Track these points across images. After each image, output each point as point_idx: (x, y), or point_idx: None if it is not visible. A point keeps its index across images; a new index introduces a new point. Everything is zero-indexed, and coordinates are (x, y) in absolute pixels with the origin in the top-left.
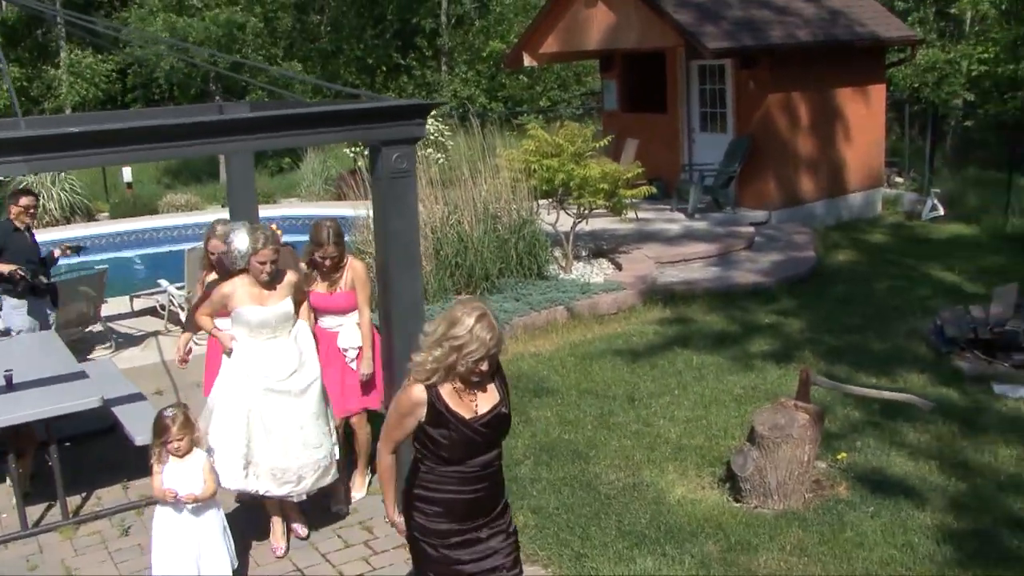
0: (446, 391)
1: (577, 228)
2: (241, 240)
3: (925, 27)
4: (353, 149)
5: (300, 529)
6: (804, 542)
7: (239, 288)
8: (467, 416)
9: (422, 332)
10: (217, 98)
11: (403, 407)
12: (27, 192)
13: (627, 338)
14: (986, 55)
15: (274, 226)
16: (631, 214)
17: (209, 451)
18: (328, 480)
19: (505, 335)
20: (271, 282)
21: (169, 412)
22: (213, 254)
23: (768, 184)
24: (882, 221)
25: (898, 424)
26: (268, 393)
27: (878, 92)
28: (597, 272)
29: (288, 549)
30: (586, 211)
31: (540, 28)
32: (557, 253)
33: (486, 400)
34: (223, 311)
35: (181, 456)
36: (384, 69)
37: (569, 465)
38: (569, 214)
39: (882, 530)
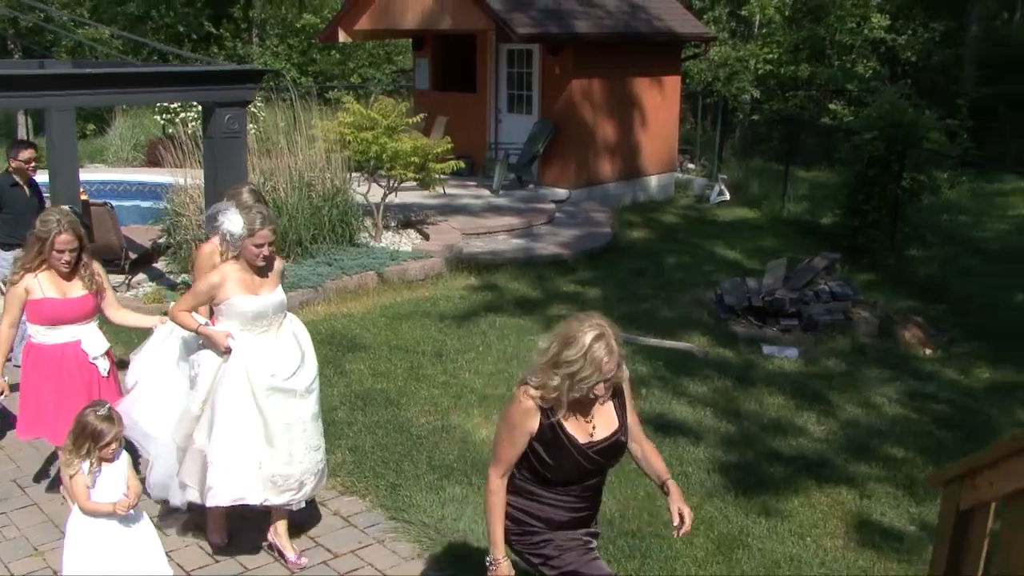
0: (561, 410)
1: (388, 200)
2: (233, 221)
3: (719, 26)
4: (164, 116)
5: (292, 557)
6: None
7: (229, 276)
8: (582, 441)
9: (537, 350)
10: (16, 56)
11: (513, 419)
12: (28, 144)
13: (435, 302)
14: (771, 56)
15: (81, 190)
16: (439, 188)
17: (210, 464)
18: (322, 485)
19: (319, 297)
20: (264, 268)
21: (100, 411)
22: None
23: (569, 165)
24: (674, 203)
25: (680, 378)
26: (272, 393)
27: (673, 83)
28: (406, 241)
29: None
30: (397, 183)
31: (356, 5)
32: (368, 223)
33: (604, 424)
34: (205, 305)
35: (112, 460)
36: (194, 38)
37: (382, 411)
38: (380, 186)
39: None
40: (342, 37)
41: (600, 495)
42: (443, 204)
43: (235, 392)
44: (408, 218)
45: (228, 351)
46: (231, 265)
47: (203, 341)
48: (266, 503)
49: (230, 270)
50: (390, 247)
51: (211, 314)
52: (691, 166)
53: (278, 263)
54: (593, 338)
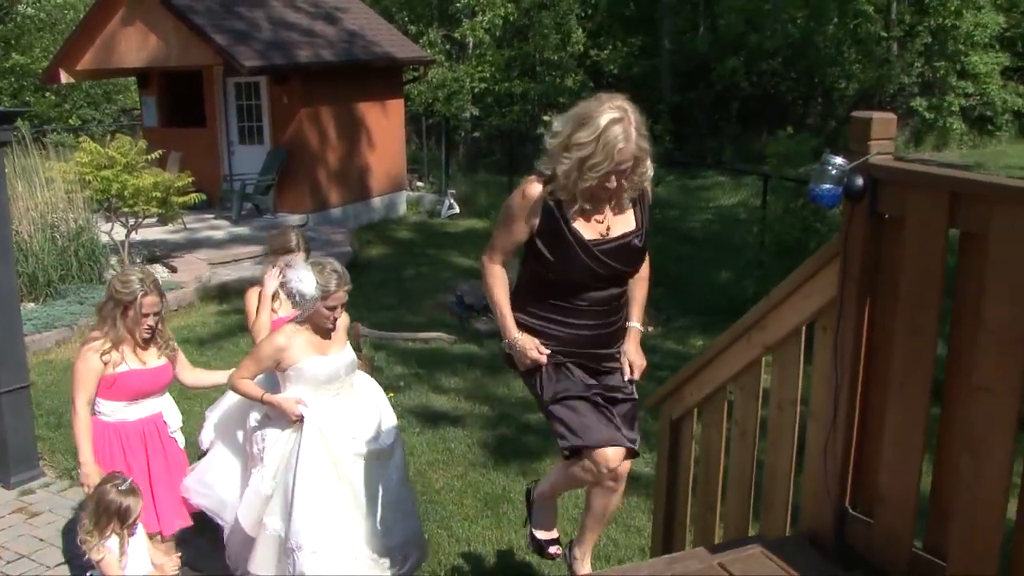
0: (570, 203)
1: (131, 236)
2: (306, 281)
3: (435, 49)
4: None
5: None
6: None
7: (296, 338)
8: (588, 237)
9: (549, 131)
10: None
11: (513, 210)
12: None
13: (191, 329)
14: (485, 75)
15: None
16: (181, 223)
17: (295, 549)
18: (427, 557)
19: (75, 336)
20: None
21: (122, 487)
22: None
23: (304, 190)
24: (407, 220)
25: (434, 373)
26: (357, 459)
27: (397, 106)
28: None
29: None
30: (139, 220)
31: (77, 44)
32: (114, 260)
33: (620, 223)
34: (269, 371)
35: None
36: None
37: None
38: (123, 224)
39: (427, 443)
40: (64, 78)
41: (617, 320)
42: (186, 238)
43: (315, 464)
44: (153, 253)
45: (300, 420)
46: (294, 327)
47: (268, 411)
48: None
49: (293, 332)
50: None
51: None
52: (420, 184)
53: (344, 318)
54: (609, 121)
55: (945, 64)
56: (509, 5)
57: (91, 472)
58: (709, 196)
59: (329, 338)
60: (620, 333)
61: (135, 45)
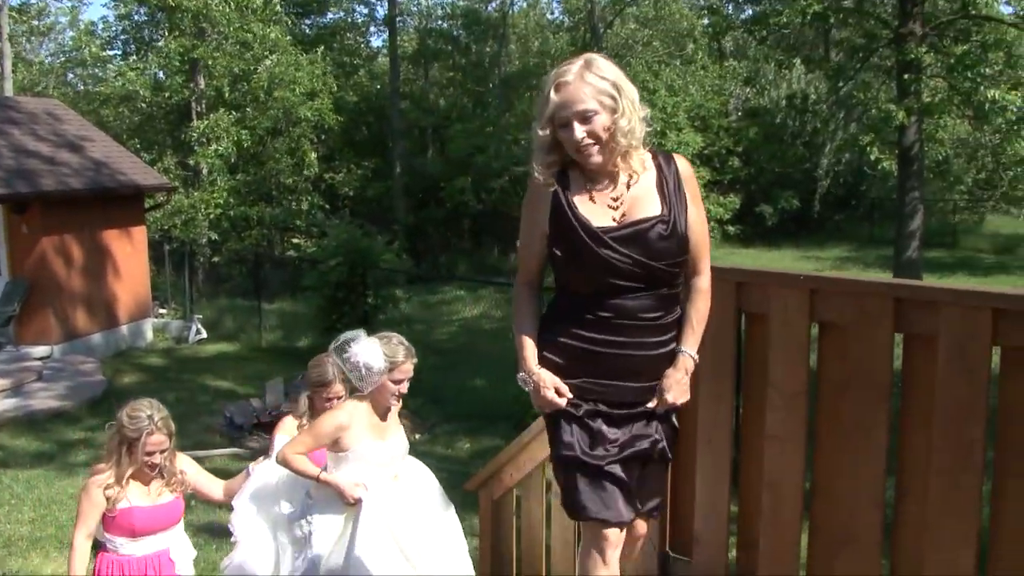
0: (576, 188)
1: None
2: (373, 354)
3: (170, 175)
4: None
5: None
6: None
7: (356, 418)
8: (599, 224)
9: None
10: None
11: (524, 204)
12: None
13: None
14: (220, 200)
15: None
16: None
17: None
18: None
19: None
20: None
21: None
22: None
23: (48, 321)
24: (155, 347)
25: None
26: (420, 541)
27: (140, 233)
28: None
29: None
30: None
31: None
32: None
33: (639, 206)
34: (324, 448)
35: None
36: None
37: None
38: None
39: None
40: None
41: (659, 343)
42: None
43: (380, 550)
44: None
45: (357, 503)
46: (355, 405)
47: (316, 492)
48: None
49: (355, 410)
50: None
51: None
52: (163, 311)
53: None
54: (556, 70)
55: None
56: (243, 132)
57: None
58: (451, 310)
59: (386, 419)
60: (664, 361)
61: None
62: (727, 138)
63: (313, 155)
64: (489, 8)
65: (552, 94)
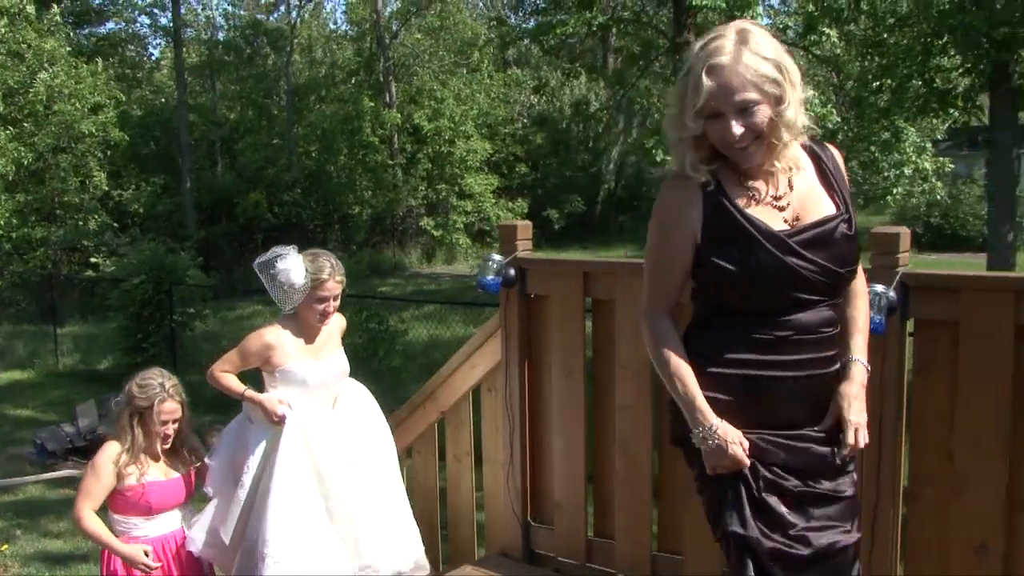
0: (731, 186)
1: None
2: (296, 269)
3: None
4: None
5: None
6: None
7: (286, 337)
8: (774, 226)
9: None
10: None
11: (663, 211)
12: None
13: None
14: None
15: None
16: None
17: (261, 558)
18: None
19: None
20: (319, 329)
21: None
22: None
23: None
24: None
25: (38, 520)
26: (343, 469)
27: None
28: None
29: None
30: None
31: None
32: None
33: (810, 204)
34: (251, 367)
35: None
36: None
37: None
38: None
39: None
40: None
41: (835, 358)
42: None
43: (292, 468)
44: None
45: (281, 421)
46: (283, 326)
47: (254, 414)
48: None
49: (282, 330)
50: None
51: None
52: None
53: (340, 321)
54: (701, 45)
55: (446, 187)
56: (22, 149)
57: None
58: (253, 324)
59: (314, 341)
60: (836, 381)
61: None
62: (514, 145)
63: (102, 173)
64: (272, 18)
65: (705, 78)
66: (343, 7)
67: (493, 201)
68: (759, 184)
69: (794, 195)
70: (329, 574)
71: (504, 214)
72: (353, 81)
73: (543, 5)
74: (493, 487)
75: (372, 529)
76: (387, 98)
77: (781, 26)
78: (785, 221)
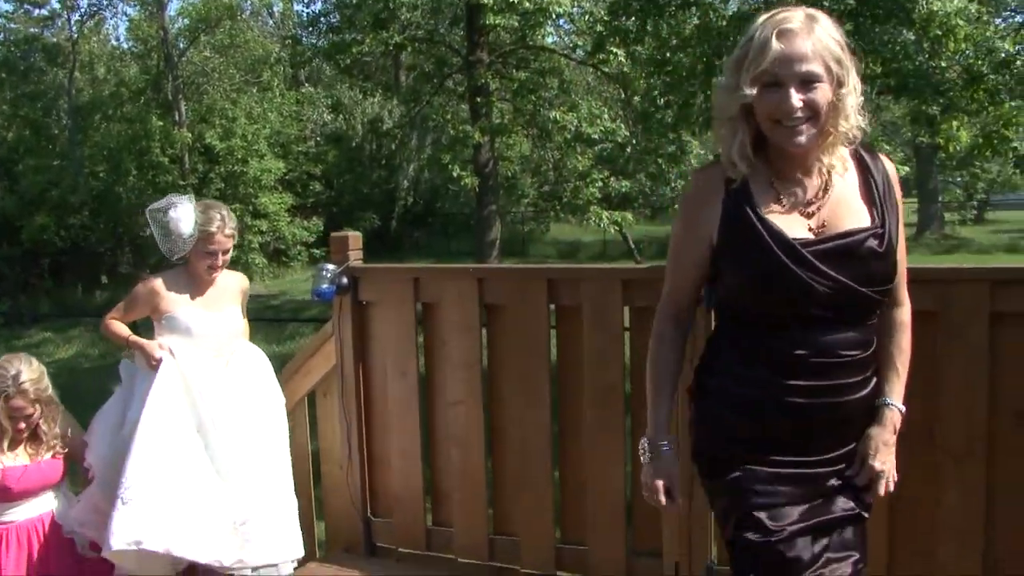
0: (758, 185)
1: None
2: (186, 219)
3: None
4: None
5: None
6: None
7: (170, 285)
8: (795, 234)
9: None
10: None
11: (683, 205)
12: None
13: None
14: None
15: None
16: None
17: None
18: (294, 555)
19: None
20: (218, 284)
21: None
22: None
23: None
24: None
25: None
26: (222, 420)
27: None
28: None
29: None
30: None
31: None
32: None
33: (843, 215)
34: (143, 315)
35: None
36: None
37: None
38: None
39: None
40: None
41: (863, 386)
42: None
43: (164, 411)
44: None
45: (159, 364)
46: (174, 274)
47: (137, 360)
48: (202, 561)
49: (171, 279)
50: None
51: None
52: None
53: (240, 281)
54: (768, 15)
55: (240, 206)
56: None
57: None
58: (42, 352)
59: (204, 293)
60: (865, 414)
61: None
62: (308, 163)
63: None
64: (46, 32)
65: (774, 41)
66: (126, 23)
67: (288, 220)
68: (789, 185)
69: (826, 201)
70: (190, 521)
71: (299, 232)
72: (141, 100)
73: (337, 24)
74: (334, 486)
75: (251, 487)
76: (176, 116)
77: (571, 45)
78: (810, 229)
